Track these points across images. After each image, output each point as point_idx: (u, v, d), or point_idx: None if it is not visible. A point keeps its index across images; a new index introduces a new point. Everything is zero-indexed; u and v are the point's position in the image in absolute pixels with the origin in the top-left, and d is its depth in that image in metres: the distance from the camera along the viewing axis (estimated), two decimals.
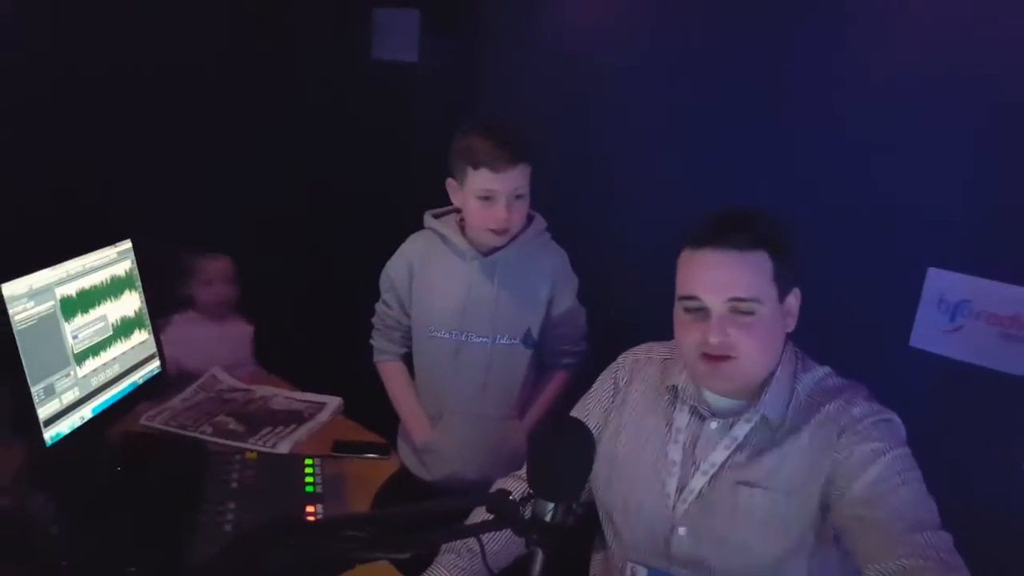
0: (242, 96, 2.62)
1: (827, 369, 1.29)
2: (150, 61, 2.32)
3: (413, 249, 1.81)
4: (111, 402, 1.48)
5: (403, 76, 2.90)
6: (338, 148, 2.92)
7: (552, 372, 1.88)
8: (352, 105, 2.92)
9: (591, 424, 1.38)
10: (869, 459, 1.13)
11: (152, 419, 1.83)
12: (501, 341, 1.76)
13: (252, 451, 1.74)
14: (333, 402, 2.02)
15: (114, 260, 1.51)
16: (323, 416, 1.96)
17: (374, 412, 1.95)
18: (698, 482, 1.23)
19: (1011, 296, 1.83)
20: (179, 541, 1.31)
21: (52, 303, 1.33)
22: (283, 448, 1.78)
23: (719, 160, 2.19)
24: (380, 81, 2.96)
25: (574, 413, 1.44)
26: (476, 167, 1.62)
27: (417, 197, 1.89)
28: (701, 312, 1.19)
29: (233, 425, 1.86)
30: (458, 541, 1.34)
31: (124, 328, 1.52)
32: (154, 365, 1.63)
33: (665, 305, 1.29)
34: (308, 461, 1.71)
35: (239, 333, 2.27)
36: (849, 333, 2.03)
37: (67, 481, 1.31)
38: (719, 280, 1.17)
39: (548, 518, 0.97)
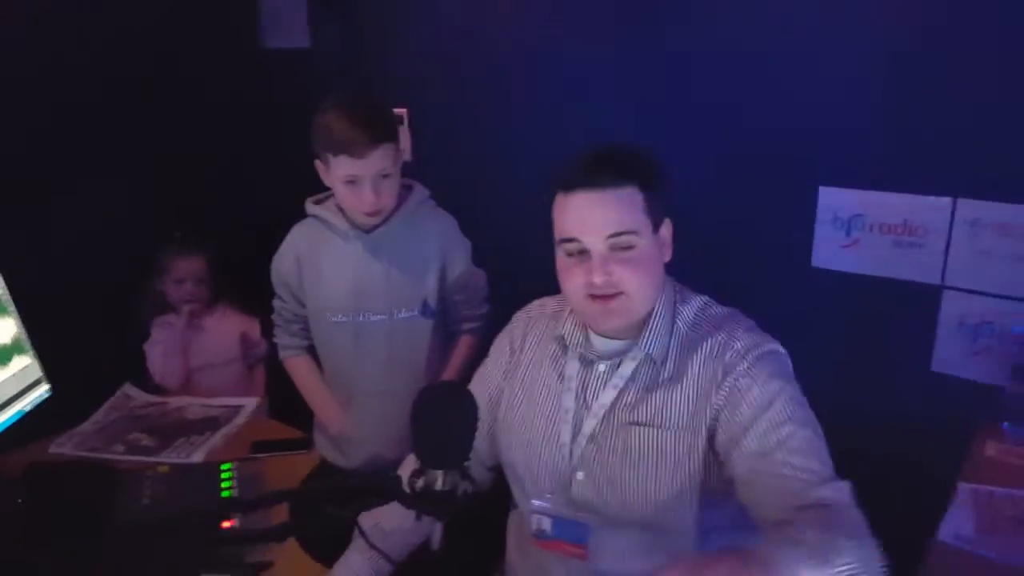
0: (129, 95, 2.54)
1: (705, 298, 1.30)
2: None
3: (298, 239, 1.79)
4: None
5: (296, 62, 2.85)
6: (237, 140, 2.84)
7: (457, 338, 1.88)
8: (247, 96, 2.85)
9: (490, 387, 1.40)
10: (760, 407, 1.13)
11: (61, 445, 1.80)
12: (399, 315, 1.75)
13: (164, 464, 1.72)
14: (251, 403, 2.01)
15: None
16: (240, 419, 1.94)
17: (299, 408, 1.94)
18: (589, 425, 1.25)
19: (899, 204, 1.87)
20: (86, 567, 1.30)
21: None
22: (197, 457, 1.77)
23: (606, 94, 2.19)
24: (273, 69, 2.90)
25: (474, 380, 1.45)
26: (336, 153, 1.59)
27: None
28: (582, 254, 1.19)
29: (146, 441, 1.84)
30: (373, 521, 1.34)
31: (1, 356, 1.49)
32: (42, 389, 1.59)
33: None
34: (225, 466, 1.69)
35: (222, 332, 2.26)
36: (754, 260, 2.06)
37: None
38: (595, 219, 1.17)
39: (438, 486, 0.98)
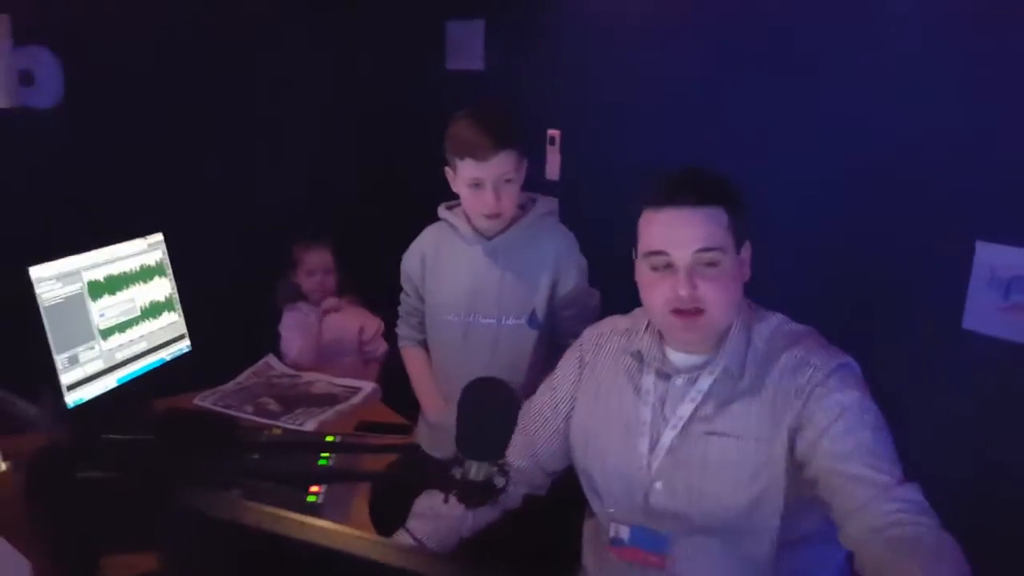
0: (335, 107, 2.84)
1: (780, 316, 1.33)
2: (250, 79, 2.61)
3: (426, 239, 1.92)
4: (137, 374, 1.67)
5: (472, 84, 3.04)
6: (416, 153, 3.07)
7: (563, 352, 1.90)
8: (429, 112, 3.07)
9: (558, 396, 1.45)
10: (835, 413, 1.17)
11: (204, 399, 2.03)
12: (507, 322, 1.81)
13: (279, 427, 1.90)
14: (368, 387, 2.15)
15: (144, 250, 1.72)
16: (356, 399, 2.09)
17: (410, 399, 2.05)
18: (668, 436, 1.28)
19: None
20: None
21: (79, 285, 1.54)
22: (309, 426, 1.92)
23: (753, 129, 2.14)
24: (452, 90, 3.10)
25: (540, 391, 1.50)
26: (462, 157, 1.69)
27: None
28: (668, 268, 1.23)
29: (272, 405, 2.03)
30: (425, 506, 1.41)
31: (152, 310, 1.73)
32: (183, 344, 1.82)
33: None
34: (329, 438, 1.84)
35: (342, 324, 2.48)
36: (897, 316, 1.91)
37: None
38: (684, 234, 1.22)
39: (472, 476, 1.03)
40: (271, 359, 2.30)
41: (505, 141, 1.68)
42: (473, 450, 1.05)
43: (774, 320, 1.32)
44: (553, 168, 2.79)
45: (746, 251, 1.29)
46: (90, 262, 1.57)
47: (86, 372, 1.54)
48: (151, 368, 1.71)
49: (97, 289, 1.58)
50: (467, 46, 3.09)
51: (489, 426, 1.05)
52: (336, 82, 2.88)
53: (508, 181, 1.71)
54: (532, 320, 1.82)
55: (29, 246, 1.53)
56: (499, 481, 1.05)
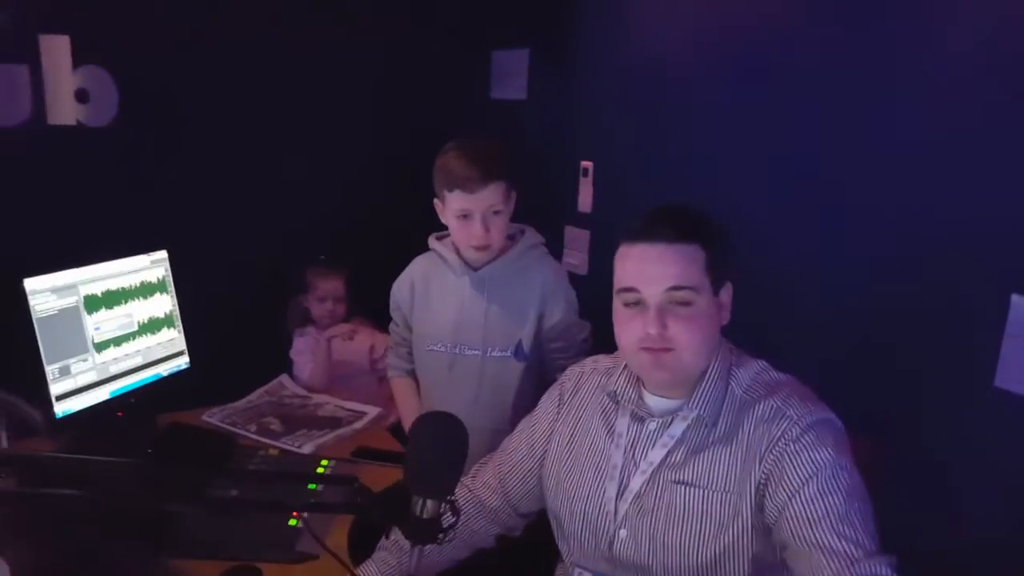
0: (384, 138, 2.90)
1: (763, 363, 1.28)
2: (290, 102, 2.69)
3: (415, 269, 1.92)
4: (131, 388, 1.72)
5: (514, 114, 3.04)
6: None
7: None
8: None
9: (535, 436, 1.43)
10: (807, 473, 1.12)
11: (212, 416, 2.08)
12: (492, 353, 1.80)
13: (275, 448, 1.91)
14: (373, 412, 2.15)
15: (146, 267, 1.77)
16: (358, 424, 2.09)
17: None
18: (636, 482, 1.25)
19: None
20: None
21: (75, 298, 1.60)
22: (307, 448, 1.93)
23: (782, 177, 2.05)
24: (495, 119, 3.12)
25: (518, 428, 1.49)
26: (451, 189, 1.70)
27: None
28: (639, 305, 1.21)
29: (275, 426, 2.05)
30: (393, 540, 1.39)
31: (151, 326, 1.78)
32: (182, 361, 1.87)
33: None
34: (324, 462, 1.85)
35: (353, 346, 2.50)
36: (924, 373, 1.78)
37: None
38: (656, 271, 1.19)
39: (419, 513, 1.02)
40: (285, 379, 2.34)
41: (494, 173, 1.68)
42: (421, 487, 1.03)
43: (755, 366, 1.27)
44: (586, 200, 2.75)
45: (726, 293, 1.25)
46: (89, 276, 1.63)
47: (77, 383, 1.59)
48: (146, 383, 1.74)
49: (94, 303, 1.64)
50: (512, 76, 3.09)
51: (438, 463, 1.04)
52: (374, 107, 2.92)
53: (496, 213, 1.71)
54: (518, 352, 1.80)
55: (39, 260, 1.60)
56: (447, 520, 1.04)
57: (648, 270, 1.20)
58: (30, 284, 1.51)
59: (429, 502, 1.02)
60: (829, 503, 1.09)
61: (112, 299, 1.68)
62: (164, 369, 1.82)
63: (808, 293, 1.95)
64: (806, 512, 1.10)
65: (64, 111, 2.52)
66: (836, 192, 1.89)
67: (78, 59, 2.51)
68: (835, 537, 1.06)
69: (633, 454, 1.27)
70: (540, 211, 1.98)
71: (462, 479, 1.50)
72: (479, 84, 3.16)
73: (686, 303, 1.19)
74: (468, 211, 1.69)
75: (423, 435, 1.06)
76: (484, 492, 1.47)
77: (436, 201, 1.78)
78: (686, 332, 1.19)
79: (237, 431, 2.01)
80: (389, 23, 2.93)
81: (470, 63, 3.13)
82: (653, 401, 1.28)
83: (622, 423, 1.30)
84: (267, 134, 2.72)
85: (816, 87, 1.93)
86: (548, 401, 1.46)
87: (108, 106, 2.58)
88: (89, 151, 2.55)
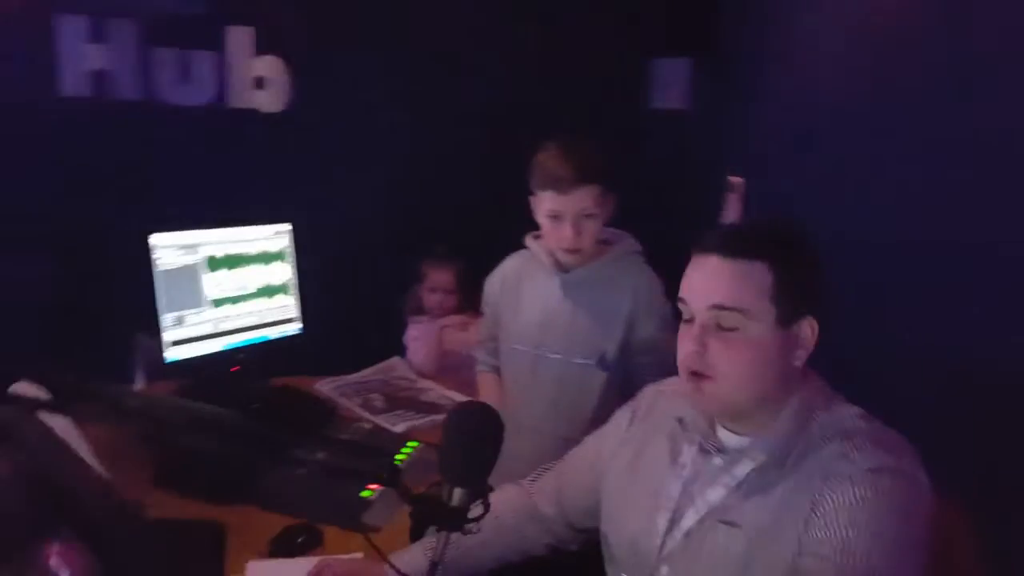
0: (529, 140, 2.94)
1: (857, 410, 1.11)
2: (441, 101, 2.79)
3: (508, 265, 1.90)
4: (242, 344, 1.84)
5: (672, 124, 2.95)
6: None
7: None
8: (625, 148, 3.03)
9: (601, 450, 1.36)
10: (848, 508, 0.99)
11: (324, 384, 2.18)
12: (575, 360, 1.73)
13: (371, 423, 1.97)
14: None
15: (269, 236, 1.89)
16: None
17: None
18: (689, 520, 1.14)
19: None
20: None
21: (198, 257, 1.74)
22: (400, 428, 1.98)
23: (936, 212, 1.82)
24: (654, 128, 3.04)
25: (585, 441, 1.43)
26: (544, 188, 1.66)
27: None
28: (691, 322, 1.11)
29: (378, 403, 2.12)
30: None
31: (267, 291, 1.89)
32: (294, 327, 1.97)
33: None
34: (412, 444, 1.88)
35: (460, 339, 2.54)
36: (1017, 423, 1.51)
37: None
38: (703, 285, 1.09)
39: (448, 501, 1.02)
40: (397, 361, 2.41)
41: (588, 175, 1.62)
42: (449, 474, 1.03)
43: (846, 412, 1.10)
44: (731, 217, 2.60)
45: (806, 328, 1.09)
46: (214, 239, 1.76)
47: (190, 333, 1.72)
48: (257, 342, 1.86)
49: (215, 263, 1.77)
50: (672, 85, 3.00)
51: (466, 452, 1.03)
52: (522, 108, 2.93)
53: (588, 216, 1.64)
54: (602, 362, 1.72)
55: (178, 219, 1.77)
56: (476, 511, 1.02)
57: (698, 282, 1.10)
58: (154, 239, 1.65)
59: (456, 491, 1.02)
60: (860, 548, 0.95)
61: (233, 262, 1.81)
62: (275, 332, 1.94)
63: (964, 333, 1.71)
64: (827, 550, 0.97)
65: (243, 95, 2.76)
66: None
67: (259, 49, 2.74)
68: None
69: (692, 490, 1.16)
70: (681, 226, 1.86)
71: (522, 480, 1.46)
72: (638, 92, 3.09)
73: (732, 328, 1.06)
74: (559, 212, 1.64)
75: (455, 424, 1.05)
76: (540, 498, 1.42)
77: (532, 198, 1.75)
78: (726, 360, 1.07)
79: (342, 401, 2.09)
80: (546, 25, 2.92)
81: (630, 70, 3.07)
82: (724, 435, 1.16)
83: (688, 453, 1.20)
84: (404, 128, 2.81)
85: (989, 115, 1.70)
86: (620, 418, 1.38)
87: (282, 93, 2.80)
88: (259, 132, 2.77)
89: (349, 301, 2.62)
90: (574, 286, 1.73)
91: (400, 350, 2.48)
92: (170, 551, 1.43)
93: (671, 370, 1.70)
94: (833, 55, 2.19)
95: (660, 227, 1.77)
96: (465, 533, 1.09)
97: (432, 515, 1.06)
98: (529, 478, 1.47)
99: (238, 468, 1.63)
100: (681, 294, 1.12)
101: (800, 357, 1.09)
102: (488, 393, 1.97)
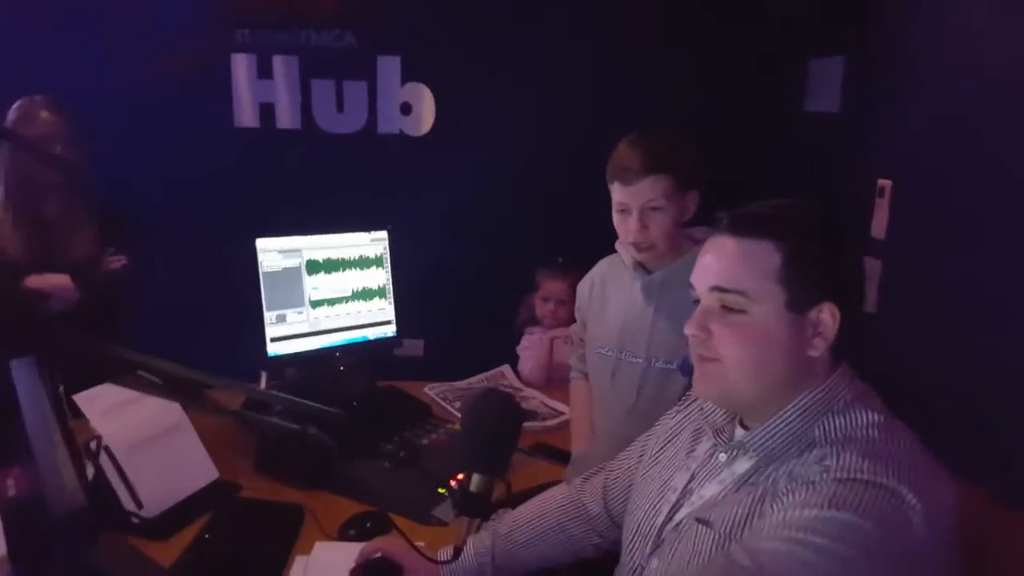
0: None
1: (879, 419, 0.99)
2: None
3: (597, 270, 1.88)
4: (338, 345, 1.97)
5: (826, 127, 2.76)
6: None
7: None
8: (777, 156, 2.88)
9: (646, 450, 1.33)
10: (793, 504, 0.92)
11: (431, 389, 2.28)
12: (656, 364, 1.68)
13: (460, 424, 2.02)
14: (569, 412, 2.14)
15: (366, 243, 2.02)
16: (551, 422, 2.10)
17: None
18: (682, 514, 1.12)
19: None
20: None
21: (299, 260, 1.90)
22: None
23: None
24: (808, 132, 2.86)
25: (639, 438, 1.40)
26: (612, 180, 1.63)
27: None
28: (697, 304, 1.09)
29: None
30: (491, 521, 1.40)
31: (364, 294, 2.02)
32: (389, 330, 2.07)
33: None
34: None
35: (569, 351, 2.53)
36: None
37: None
38: (706, 265, 1.07)
39: (471, 488, 1.10)
40: (506, 369, 2.45)
41: (656, 166, 1.56)
42: (472, 461, 1.08)
43: (864, 419, 0.99)
44: (880, 224, 2.36)
45: (826, 315, 1.00)
46: (315, 244, 1.92)
47: (290, 331, 1.89)
48: (353, 343, 1.99)
49: (314, 267, 1.92)
50: (826, 86, 2.80)
51: (482, 438, 1.08)
52: (670, 111, 2.85)
53: (656, 209, 1.58)
54: (684, 366, 1.64)
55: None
56: (494, 497, 1.10)
57: (703, 263, 1.06)
58: (261, 243, 1.84)
59: (475, 476, 1.08)
60: (790, 548, 0.86)
61: (332, 266, 1.96)
62: (372, 333, 2.05)
63: None
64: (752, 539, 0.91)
65: (391, 121, 2.98)
66: None
67: (405, 77, 2.95)
68: None
69: (693, 484, 1.12)
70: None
71: (575, 479, 1.45)
72: (793, 95, 2.91)
73: (738, 310, 1.01)
74: (625, 205, 1.60)
75: (473, 411, 1.12)
76: (588, 497, 1.40)
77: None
78: (730, 344, 1.01)
79: (441, 404, 2.17)
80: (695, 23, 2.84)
81: (786, 71, 2.90)
82: (738, 430, 1.11)
83: (703, 446, 1.16)
84: (531, 139, 2.85)
85: None
86: (667, 414, 1.34)
87: (426, 118, 2.98)
88: (407, 153, 2.96)
89: (470, 311, 2.71)
90: (654, 288, 1.68)
91: (514, 360, 2.52)
92: (253, 528, 1.58)
93: None
94: (994, 51, 1.93)
95: None
96: (485, 519, 1.14)
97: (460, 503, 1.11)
98: (581, 478, 1.45)
99: (323, 458, 1.74)
100: (690, 278, 1.08)
101: (818, 347, 1.01)
102: (576, 400, 1.95)
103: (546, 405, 2.23)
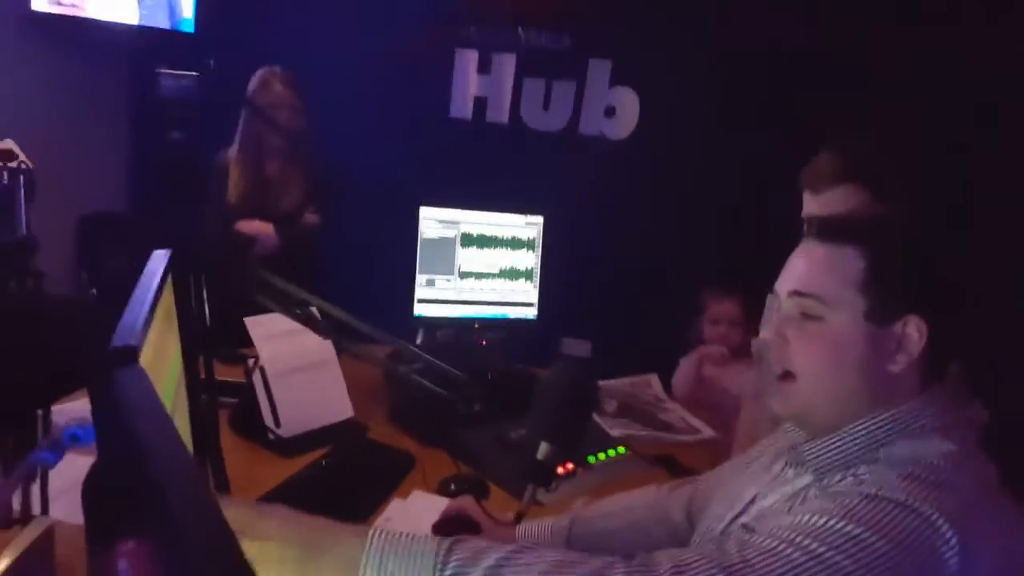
0: None
1: (948, 447, 0.89)
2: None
3: None
4: (479, 317, 2.06)
5: None
6: None
7: None
8: None
9: (729, 467, 1.30)
10: (810, 510, 0.85)
11: None
12: None
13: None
14: (707, 433, 2.07)
15: (521, 225, 2.09)
16: (683, 437, 2.03)
17: None
18: (739, 522, 1.09)
19: None
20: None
21: (455, 232, 2.02)
22: (615, 432, 1.99)
23: None
24: None
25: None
26: (803, 189, 1.45)
27: None
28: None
29: (611, 408, 2.15)
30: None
31: (510, 273, 2.09)
32: (530, 312, 2.12)
33: None
34: (620, 449, 1.89)
35: (728, 375, 2.41)
36: None
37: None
38: (790, 270, 1.03)
39: (539, 456, 1.16)
40: (653, 378, 2.38)
41: (849, 173, 1.35)
42: (542, 431, 1.14)
43: (937, 447, 0.89)
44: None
45: (911, 329, 0.92)
46: (471, 218, 2.03)
47: (436, 295, 2.01)
48: (493, 318, 2.07)
49: (468, 240, 2.04)
50: None
51: (552, 408, 1.14)
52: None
53: None
54: None
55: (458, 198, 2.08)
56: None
57: (786, 269, 1.01)
58: (424, 212, 1.98)
59: (543, 445, 1.11)
60: (780, 545, 0.79)
61: (484, 241, 2.06)
62: (512, 313, 2.12)
63: None
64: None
65: (593, 123, 3.04)
66: None
67: (613, 80, 2.99)
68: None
69: (760, 494, 1.06)
70: None
71: (665, 483, 1.41)
72: None
73: (816, 317, 0.95)
74: (811, 216, 1.41)
75: (549, 380, 1.15)
76: (674, 503, 1.36)
77: None
78: (804, 353, 0.96)
79: None
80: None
81: None
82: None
83: (781, 463, 1.09)
84: (726, 152, 2.75)
85: None
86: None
87: (629, 122, 3.00)
88: (605, 156, 3.01)
89: (639, 316, 2.68)
90: None
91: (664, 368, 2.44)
92: (366, 465, 1.71)
93: None
94: None
95: None
96: (549, 489, 1.17)
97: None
98: (673, 483, 1.41)
99: (445, 417, 1.84)
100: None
101: (900, 362, 0.93)
102: (743, 418, 1.84)
103: (685, 420, 2.14)
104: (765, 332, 1.01)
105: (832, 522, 0.80)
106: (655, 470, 1.82)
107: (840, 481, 0.91)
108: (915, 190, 1.41)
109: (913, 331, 0.92)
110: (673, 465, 1.84)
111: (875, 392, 0.93)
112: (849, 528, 0.79)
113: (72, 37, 2.95)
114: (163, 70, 1.88)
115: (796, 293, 0.97)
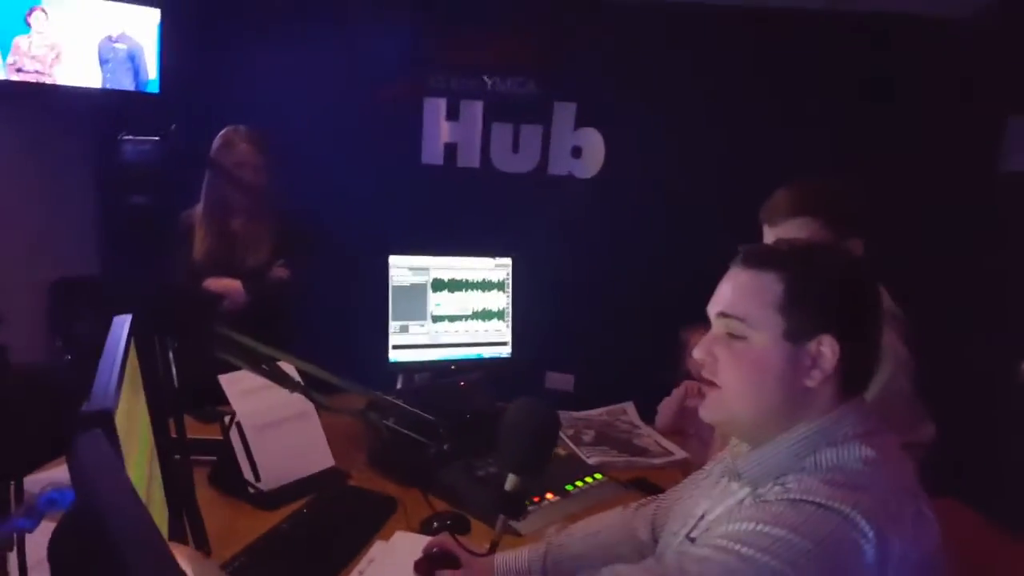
0: None
1: (868, 453, 0.98)
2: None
3: None
4: (454, 359, 2.12)
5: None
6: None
7: None
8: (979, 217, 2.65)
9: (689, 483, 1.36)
10: (740, 518, 0.95)
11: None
12: None
13: (565, 450, 2.07)
14: (679, 455, 2.11)
15: (491, 267, 2.16)
16: (656, 460, 2.08)
17: None
18: (692, 535, 1.15)
19: None
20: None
21: (426, 278, 2.09)
22: (592, 460, 2.04)
23: None
24: (1003, 194, 2.61)
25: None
26: (761, 222, 1.59)
27: None
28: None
29: (587, 437, 2.20)
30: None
31: (483, 315, 2.15)
32: (504, 351, 2.18)
33: None
34: (596, 476, 1.95)
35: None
36: None
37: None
38: (718, 294, 1.13)
39: (507, 487, 1.22)
40: (628, 406, 2.43)
41: (804, 207, 1.50)
42: (509, 463, 1.19)
43: (856, 453, 0.98)
44: None
45: (826, 348, 1.01)
46: (441, 264, 2.10)
47: (410, 340, 2.08)
48: (469, 359, 2.13)
49: (439, 285, 2.10)
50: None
51: (521, 443, 1.20)
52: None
53: None
54: None
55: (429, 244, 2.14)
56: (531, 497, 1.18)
57: (717, 291, 1.11)
58: (393, 260, 2.05)
59: (510, 476, 1.18)
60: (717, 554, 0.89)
61: (455, 285, 2.12)
62: (487, 352, 2.18)
63: None
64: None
65: (562, 163, 3.14)
66: None
67: (579, 122, 3.10)
68: None
69: (709, 509, 1.13)
70: None
71: (631, 504, 1.47)
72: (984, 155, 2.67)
73: (740, 337, 1.04)
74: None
75: (510, 415, 1.20)
76: (639, 522, 1.42)
77: None
78: (729, 369, 1.05)
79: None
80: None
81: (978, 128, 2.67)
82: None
83: (726, 475, 1.16)
84: (693, 189, 2.84)
85: None
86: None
87: (596, 161, 3.10)
88: (576, 194, 3.10)
89: (618, 350, 2.74)
90: None
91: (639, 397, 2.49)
92: (348, 511, 1.75)
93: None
94: None
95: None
96: (520, 519, 1.22)
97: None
98: (638, 503, 1.46)
99: (423, 460, 1.89)
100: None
101: (816, 378, 1.01)
102: (717, 438, 1.88)
103: (659, 444, 2.20)
104: (697, 352, 1.09)
105: (759, 527, 0.89)
106: (630, 493, 1.86)
107: (771, 490, 0.98)
108: (864, 223, 1.52)
109: (827, 349, 1.00)
110: (646, 486, 1.89)
111: (794, 404, 1.03)
112: (775, 531, 0.88)
113: (36, 104, 2.95)
114: (125, 136, 1.94)
115: (723, 315, 1.07)
